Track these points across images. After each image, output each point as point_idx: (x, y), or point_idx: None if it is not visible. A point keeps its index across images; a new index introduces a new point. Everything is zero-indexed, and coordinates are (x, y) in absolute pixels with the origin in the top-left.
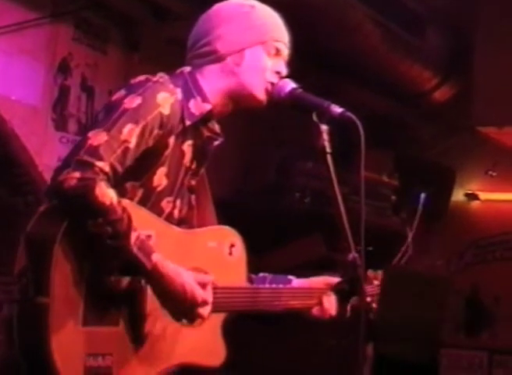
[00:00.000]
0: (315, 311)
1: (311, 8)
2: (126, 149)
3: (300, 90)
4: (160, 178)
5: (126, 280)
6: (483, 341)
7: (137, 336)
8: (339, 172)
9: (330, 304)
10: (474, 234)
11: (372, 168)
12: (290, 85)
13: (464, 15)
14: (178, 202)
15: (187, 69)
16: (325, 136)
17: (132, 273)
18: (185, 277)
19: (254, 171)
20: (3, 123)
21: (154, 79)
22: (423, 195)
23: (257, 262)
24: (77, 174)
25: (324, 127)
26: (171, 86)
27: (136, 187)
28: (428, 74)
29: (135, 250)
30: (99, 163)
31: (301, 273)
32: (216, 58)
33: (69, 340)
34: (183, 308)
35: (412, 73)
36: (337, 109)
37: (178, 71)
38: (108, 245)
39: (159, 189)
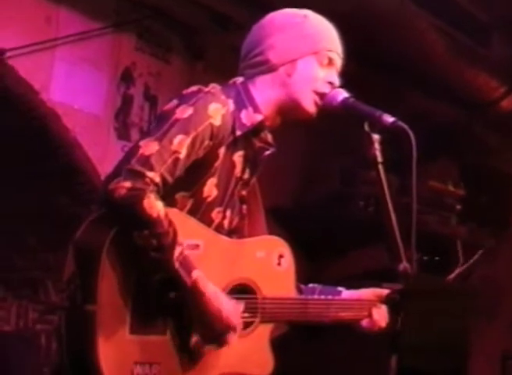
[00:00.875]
0: (365, 323)
1: (375, 18)
2: (177, 160)
3: (353, 99)
4: (210, 189)
5: (173, 288)
6: None
7: (185, 345)
8: (402, 182)
9: (380, 316)
10: None
11: (438, 177)
12: (342, 94)
13: None
14: (228, 213)
15: (240, 79)
16: (377, 145)
17: (175, 286)
18: (223, 301)
19: (315, 180)
20: (66, 132)
21: (206, 90)
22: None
23: (318, 271)
24: (128, 184)
25: (376, 137)
26: (223, 97)
27: (186, 197)
28: (495, 83)
29: (177, 265)
30: (150, 173)
31: (363, 283)
32: (268, 68)
33: (117, 348)
34: (215, 330)
35: (478, 82)
36: (389, 119)
37: (231, 82)
38: (152, 257)
39: (209, 199)
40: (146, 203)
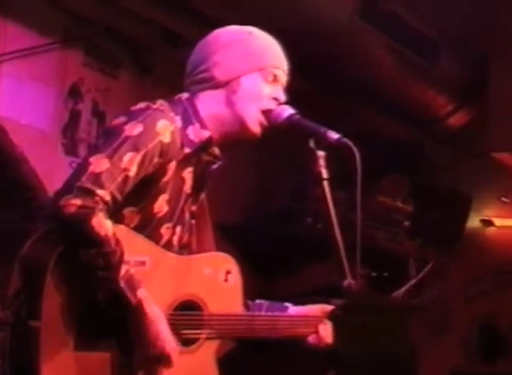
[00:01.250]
0: (311, 339)
1: (323, 35)
2: (126, 177)
3: (298, 116)
4: (161, 205)
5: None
6: (499, 368)
7: (129, 362)
8: (350, 198)
9: (326, 332)
10: (489, 260)
11: (387, 193)
12: (288, 111)
13: (479, 40)
14: (178, 229)
15: (185, 95)
16: (322, 162)
17: (120, 304)
18: (163, 325)
19: (267, 197)
20: (13, 147)
21: (155, 106)
22: (429, 265)
23: (269, 287)
24: (78, 201)
25: (321, 153)
26: (171, 114)
27: (134, 212)
28: (443, 100)
29: (122, 284)
30: (100, 192)
31: (312, 299)
32: (213, 84)
33: (60, 365)
34: (150, 353)
35: (426, 99)
36: (333, 135)
37: (176, 98)
38: (98, 276)
39: (160, 215)
40: (95, 221)
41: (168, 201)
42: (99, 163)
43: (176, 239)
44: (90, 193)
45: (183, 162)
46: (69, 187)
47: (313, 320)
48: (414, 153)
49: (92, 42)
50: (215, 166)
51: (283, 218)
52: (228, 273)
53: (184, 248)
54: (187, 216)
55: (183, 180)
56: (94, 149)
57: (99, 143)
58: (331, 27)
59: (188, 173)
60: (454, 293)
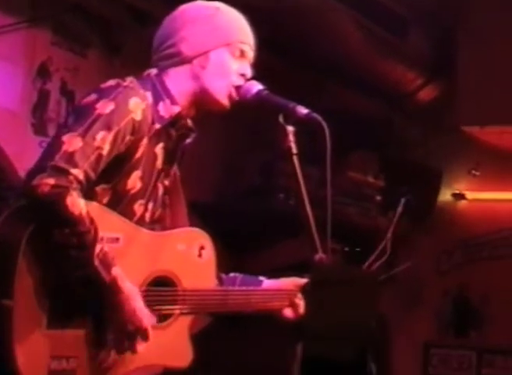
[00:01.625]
0: (286, 312)
1: (291, 11)
2: (100, 156)
3: (267, 91)
4: (134, 181)
5: (91, 284)
6: (472, 341)
7: (103, 338)
8: (321, 174)
9: (301, 306)
10: (461, 234)
11: (357, 168)
12: (257, 87)
13: (447, 15)
14: (150, 205)
15: (154, 71)
16: (291, 137)
17: (94, 282)
18: (138, 301)
19: (237, 173)
20: None
21: (125, 84)
22: (403, 200)
23: (241, 265)
24: (51, 181)
25: (290, 128)
26: (141, 91)
27: (106, 189)
28: (412, 74)
29: (96, 262)
30: (74, 171)
31: (285, 274)
32: (181, 60)
33: (33, 343)
34: (126, 330)
35: (396, 74)
36: (303, 110)
37: (145, 74)
38: (72, 255)
39: (133, 192)
40: (69, 201)
41: (141, 178)
42: (72, 142)
43: (148, 215)
44: (64, 172)
45: (155, 138)
46: (41, 167)
47: (286, 294)
48: (384, 128)
49: (61, 21)
50: (189, 140)
51: (254, 194)
52: (202, 248)
53: (156, 223)
54: (160, 191)
55: (155, 156)
56: (64, 127)
57: (69, 121)
58: (300, 3)
59: (160, 149)
60: (426, 267)
